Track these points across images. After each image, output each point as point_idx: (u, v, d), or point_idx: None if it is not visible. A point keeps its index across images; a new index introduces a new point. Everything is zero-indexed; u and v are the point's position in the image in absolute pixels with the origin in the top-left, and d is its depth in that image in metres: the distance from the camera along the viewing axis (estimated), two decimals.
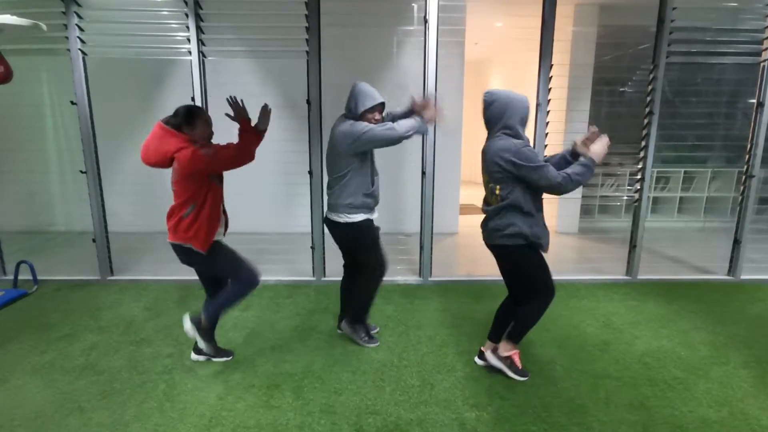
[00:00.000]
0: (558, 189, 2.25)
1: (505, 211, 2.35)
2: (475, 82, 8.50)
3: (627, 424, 2.20)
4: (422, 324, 3.21)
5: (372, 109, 2.63)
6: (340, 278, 3.04)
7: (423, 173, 3.80)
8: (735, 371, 2.64)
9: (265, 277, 3.91)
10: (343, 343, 2.94)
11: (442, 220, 4.72)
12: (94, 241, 3.90)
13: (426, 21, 3.58)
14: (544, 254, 2.44)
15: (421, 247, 3.95)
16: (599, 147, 2.37)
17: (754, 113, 3.83)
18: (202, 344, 2.58)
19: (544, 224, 2.41)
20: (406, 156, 5.07)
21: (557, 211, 5.60)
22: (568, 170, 2.27)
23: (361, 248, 2.79)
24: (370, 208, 2.74)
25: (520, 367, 2.57)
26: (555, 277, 3.88)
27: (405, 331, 3.12)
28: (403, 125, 2.59)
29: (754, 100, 3.83)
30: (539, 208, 2.39)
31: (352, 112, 2.65)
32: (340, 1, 3.83)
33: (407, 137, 2.61)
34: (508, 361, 2.58)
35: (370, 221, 2.75)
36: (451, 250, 5.07)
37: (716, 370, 2.65)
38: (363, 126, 2.58)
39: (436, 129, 3.72)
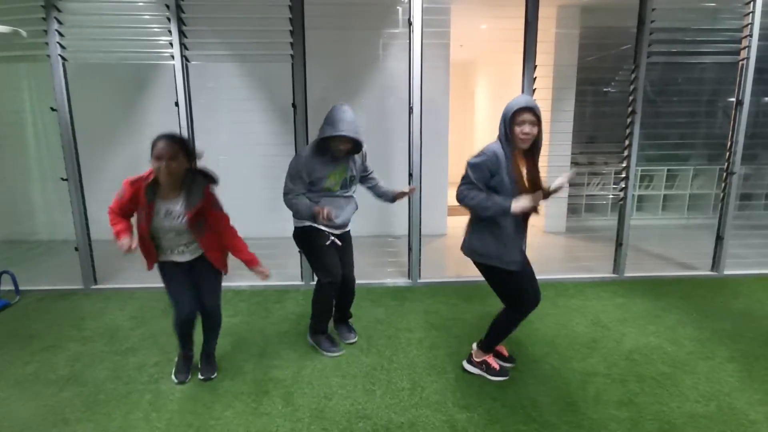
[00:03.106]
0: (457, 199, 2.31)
1: (475, 220, 2.37)
2: (461, 84, 8.56)
3: (616, 420, 2.22)
4: (412, 326, 3.21)
5: (334, 139, 2.53)
6: None
7: (410, 175, 3.80)
8: (721, 366, 2.67)
9: (253, 282, 3.93)
10: None
11: (430, 221, 4.73)
12: (76, 249, 3.83)
13: (410, 24, 3.59)
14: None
15: (410, 249, 3.95)
16: (524, 200, 2.17)
17: (733, 111, 3.90)
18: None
19: (511, 239, 2.29)
20: (393, 158, 5.07)
21: (544, 211, 5.64)
22: (483, 195, 2.23)
23: (308, 256, 2.80)
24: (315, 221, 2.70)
25: (498, 368, 2.58)
26: (544, 276, 3.98)
27: (395, 333, 3.11)
28: (301, 209, 2.61)
29: (734, 99, 3.90)
30: (508, 222, 2.29)
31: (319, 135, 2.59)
32: (325, 5, 3.82)
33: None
34: (483, 365, 2.59)
35: (315, 229, 2.70)
36: (439, 252, 5.08)
37: (703, 365, 2.68)
38: (290, 180, 2.62)
39: (423, 131, 3.73)
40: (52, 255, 4.92)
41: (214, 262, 2.44)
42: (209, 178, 2.35)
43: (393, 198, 2.91)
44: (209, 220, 2.36)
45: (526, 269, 2.43)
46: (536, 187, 2.27)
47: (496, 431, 2.16)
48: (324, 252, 2.72)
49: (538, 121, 2.19)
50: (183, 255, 2.42)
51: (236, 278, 3.98)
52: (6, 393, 2.48)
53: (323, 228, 2.71)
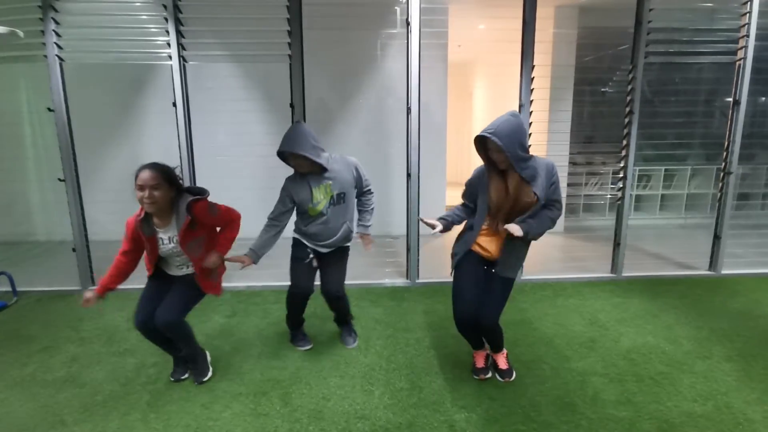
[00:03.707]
0: None
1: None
2: (459, 84, 8.56)
3: (614, 420, 2.22)
4: (410, 326, 3.21)
5: (287, 155, 2.55)
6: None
7: (408, 175, 3.80)
8: (718, 365, 2.68)
9: (251, 283, 3.93)
10: (330, 349, 2.92)
11: None
12: (74, 250, 3.82)
13: (408, 24, 3.59)
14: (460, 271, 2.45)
15: (408, 249, 3.95)
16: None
17: (730, 111, 3.91)
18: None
19: (467, 240, 2.42)
20: (391, 158, 5.07)
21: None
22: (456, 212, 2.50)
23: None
24: (303, 236, 2.75)
25: (477, 366, 2.61)
26: (542, 276, 3.98)
27: (393, 333, 3.11)
28: (259, 236, 2.64)
29: (731, 99, 3.91)
30: (472, 226, 2.43)
31: None
32: (322, 5, 3.82)
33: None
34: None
35: (299, 241, 2.77)
36: (438, 252, 5.07)
37: (700, 365, 2.68)
38: (278, 200, 2.67)
39: (420, 131, 3.73)
40: (50, 256, 4.91)
41: (202, 285, 2.45)
42: (195, 194, 2.35)
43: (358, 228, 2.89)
44: (212, 229, 2.40)
45: (466, 274, 2.41)
46: (518, 206, 2.27)
47: (495, 431, 2.16)
48: (295, 264, 2.77)
49: (498, 148, 2.12)
50: (181, 270, 2.48)
51: (234, 279, 3.99)
52: (4, 394, 2.48)
53: (306, 243, 2.74)
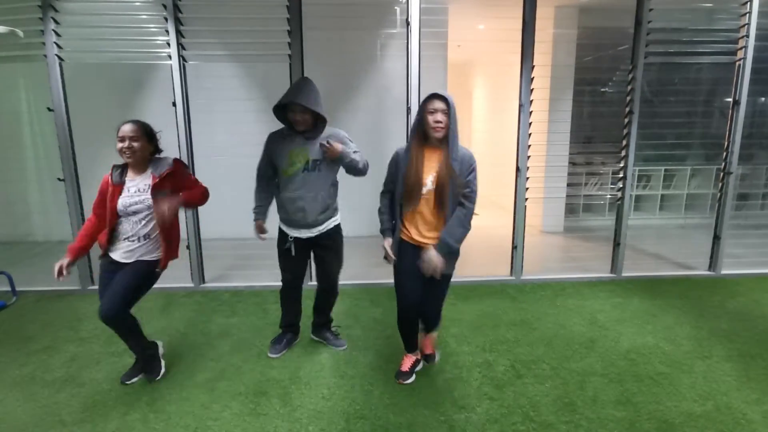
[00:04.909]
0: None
1: None
2: (459, 84, 8.56)
3: (614, 420, 2.22)
4: None
5: (291, 109, 2.53)
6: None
7: None
8: (718, 365, 2.68)
9: (250, 283, 3.92)
10: (330, 348, 2.92)
11: None
12: None
13: (408, 24, 3.59)
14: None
15: None
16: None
17: (730, 111, 3.91)
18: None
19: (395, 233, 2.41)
20: (387, 158, 5.06)
21: (542, 211, 5.65)
22: (382, 203, 2.46)
23: None
24: (284, 222, 2.74)
25: (400, 369, 2.62)
26: (542, 276, 3.99)
27: (393, 333, 3.10)
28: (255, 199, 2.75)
29: (730, 99, 3.91)
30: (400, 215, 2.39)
31: None
32: (322, 5, 3.81)
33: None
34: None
35: (280, 231, 2.77)
36: None
37: (700, 365, 2.68)
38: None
39: None
40: (49, 256, 4.90)
41: (163, 249, 2.43)
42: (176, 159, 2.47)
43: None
44: (179, 187, 2.45)
45: (405, 266, 2.37)
46: (440, 188, 2.21)
47: (495, 431, 2.16)
48: (280, 255, 2.79)
49: (449, 111, 2.17)
50: (128, 248, 2.41)
51: (234, 279, 3.99)
52: (2, 394, 2.47)
53: (286, 230, 2.72)
